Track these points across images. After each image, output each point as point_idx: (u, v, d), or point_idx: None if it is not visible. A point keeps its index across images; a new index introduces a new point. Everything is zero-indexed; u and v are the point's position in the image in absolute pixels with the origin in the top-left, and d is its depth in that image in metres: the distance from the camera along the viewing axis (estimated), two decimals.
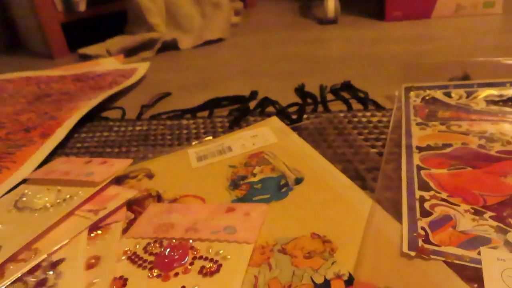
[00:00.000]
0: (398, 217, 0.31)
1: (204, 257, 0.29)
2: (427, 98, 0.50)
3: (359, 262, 0.27)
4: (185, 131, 0.53)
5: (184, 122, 0.56)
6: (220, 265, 0.28)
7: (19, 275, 0.29)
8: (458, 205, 0.31)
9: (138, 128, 0.56)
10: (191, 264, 0.29)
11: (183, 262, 0.29)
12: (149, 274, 0.29)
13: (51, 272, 0.29)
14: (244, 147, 0.45)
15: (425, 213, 0.30)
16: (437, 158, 0.38)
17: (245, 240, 0.30)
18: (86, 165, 0.42)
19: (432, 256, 0.26)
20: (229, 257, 0.29)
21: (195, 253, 0.30)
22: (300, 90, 0.62)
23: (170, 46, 1.00)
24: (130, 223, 0.35)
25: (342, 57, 0.79)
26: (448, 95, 0.50)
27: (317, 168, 0.39)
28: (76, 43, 1.05)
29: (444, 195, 0.32)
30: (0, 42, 1.17)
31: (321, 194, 0.35)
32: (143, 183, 0.41)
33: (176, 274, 0.28)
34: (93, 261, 0.30)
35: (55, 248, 0.31)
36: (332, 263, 0.27)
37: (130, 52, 0.96)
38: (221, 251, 0.30)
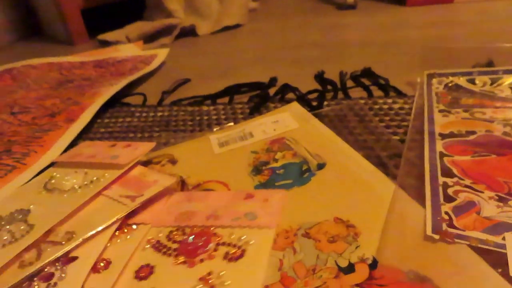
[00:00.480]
0: (421, 203, 0.31)
1: (227, 243, 0.30)
2: (450, 85, 0.50)
3: (382, 246, 0.27)
4: (205, 117, 0.54)
5: (205, 108, 0.57)
6: (244, 250, 0.29)
7: (54, 258, 0.30)
8: (482, 192, 0.31)
9: (159, 114, 0.57)
10: (215, 250, 0.29)
11: (207, 249, 0.30)
12: (175, 261, 0.29)
13: (58, 271, 0.29)
14: (265, 133, 0.45)
15: (449, 199, 0.30)
16: (460, 145, 0.37)
17: (266, 225, 0.31)
18: (111, 149, 0.43)
19: (456, 240, 0.26)
20: (252, 242, 0.29)
21: (218, 239, 0.30)
22: (319, 77, 0.62)
23: (188, 32, 1.00)
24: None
25: (362, 43, 0.78)
26: (472, 82, 0.49)
27: (338, 154, 0.39)
28: (95, 30, 1.06)
29: (467, 181, 0.32)
30: (22, 29, 1.19)
31: (344, 179, 0.35)
32: (167, 169, 0.42)
33: (201, 260, 0.29)
34: (102, 264, 0.30)
35: (91, 233, 0.31)
36: (356, 247, 0.28)
37: (149, 38, 0.97)
38: (244, 237, 0.30)
